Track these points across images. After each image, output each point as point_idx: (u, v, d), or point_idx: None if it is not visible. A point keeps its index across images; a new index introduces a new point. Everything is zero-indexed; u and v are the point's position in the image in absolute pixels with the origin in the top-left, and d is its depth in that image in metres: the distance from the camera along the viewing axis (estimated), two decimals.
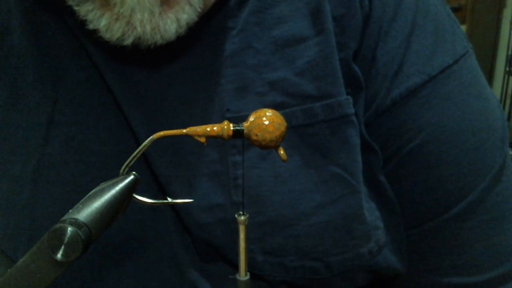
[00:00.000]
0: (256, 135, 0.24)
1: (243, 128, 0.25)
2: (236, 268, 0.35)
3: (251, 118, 0.25)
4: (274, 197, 0.36)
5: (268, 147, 0.25)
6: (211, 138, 0.25)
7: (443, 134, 0.39)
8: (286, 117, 0.33)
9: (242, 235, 0.27)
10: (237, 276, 0.28)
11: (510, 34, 2.29)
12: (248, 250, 0.35)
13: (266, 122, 0.24)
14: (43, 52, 0.38)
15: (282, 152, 0.25)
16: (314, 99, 0.37)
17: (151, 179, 0.38)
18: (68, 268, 0.25)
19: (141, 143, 0.25)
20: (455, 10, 2.06)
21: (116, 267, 0.37)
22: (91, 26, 0.34)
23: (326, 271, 0.37)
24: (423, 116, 0.39)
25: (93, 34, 0.35)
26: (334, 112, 0.37)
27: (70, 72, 0.38)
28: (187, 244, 0.38)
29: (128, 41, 0.34)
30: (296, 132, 0.37)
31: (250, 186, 0.36)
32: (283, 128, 0.25)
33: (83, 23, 0.34)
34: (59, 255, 0.24)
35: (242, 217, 0.27)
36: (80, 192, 0.35)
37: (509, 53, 2.32)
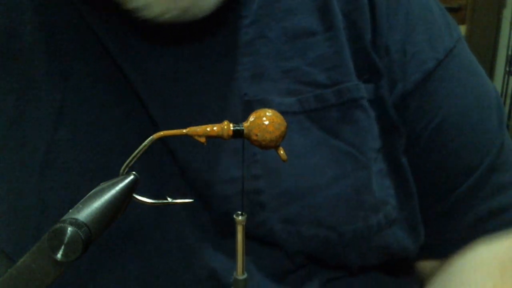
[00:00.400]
0: (256, 135, 0.24)
1: (243, 128, 0.25)
2: (251, 240, 0.38)
3: (251, 118, 0.25)
4: (290, 170, 0.39)
5: (268, 147, 0.25)
6: (211, 138, 0.25)
7: (456, 110, 0.44)
8: (299, 102, 0.40)
9: (239, 236, 0.27)
10: (235, 275, 0.28)
11: (510, 34, 2.29)
12: (267, 219, 0.39)
13: (266, 122, 0.24)
14: (54, 43, 0.39)
15: (282, 152, 0.25)
16: (325, 86, 0.40)
17: (171, 158, 0.39)
18: (68, 268, 0.25)
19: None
20: (455, 10, 2.06)
21: (123, 250, 0.38)
22: (128, 5, 0.35)
23: (339, 240, 0.40)
24: (439, 97, 0.43)
25: (107, 20, 0.36)
26: (343, 97, 0.40)
27: (81, 61, 0.39)
28: (198, 223, 0.40)
29: (168, 16, 0.35)
30: (308, 116, 0.40)
31: (268, 160, 0.39)
32: (283, 128, 0.25)
33: (97, 9, 0.36)
34: (59, 255, 0.24)
35: (240, 217, 0.27)
36: (88, 178, 0.37)
37: (509, 53, 2.32)
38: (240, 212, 0.27)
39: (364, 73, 0.42)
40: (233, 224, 0.38)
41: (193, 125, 0.38)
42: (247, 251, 0.35)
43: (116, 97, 0.39)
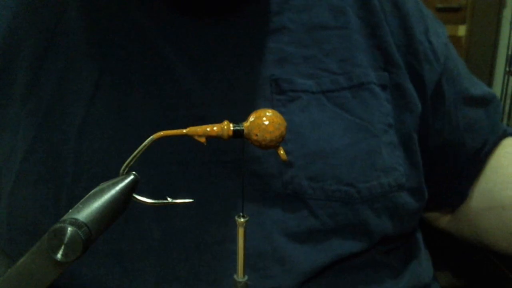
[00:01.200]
0: (256, 135, 0.24)
1: (243, 128, 0.24)
2: (275, 205, 0.44)
3: (251, 118, 0.25)
4: (313, 136, 0.46)
5: (268, 147, 0.25)
6: (211, 138, 0.25)
7: (464, 94, 0.57)
8: (317, 84, 0.47)
9: (241, 239, 0.27)
10: (235, 277, 0.28)
11: (510, 34, 2.29)
12: (295, 176, 0.45)
13: (266, 122, 0.24)
14: (94, 26, 0.45)
15: (282, 152, 0.25)
16: (338, 74, 0.48)
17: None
18: (67, 268, 0.25)
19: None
20: (455, 10, 2.06)
21: (142, 220, 0.42)
22: None
23: (358, 196, 0.46)
24: (454, 70, 0.56)
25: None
26: (353, 81, 0.48)
27: (117, 42, 0.45)
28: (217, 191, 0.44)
29: None
30: (325, 95, 0.47)
31: (294, 127, 0.45)
32: (282, 128, 0.24)
33: None
34: (59, 255, 0.24)
35: (242, 219, 0.27)
36: (119, 147, 0.42)
37: (509, 53, 2.31)
38: (241, 214, 0.27)
39: (380, 63, 0.50)
40: (263, 185, 0.43)
41: (226, 101, 0.44)
42: (272, 218, 0.43)
43: (150, 74, 0.44)
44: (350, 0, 0.50)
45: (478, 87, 0.59)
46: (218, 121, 0.25)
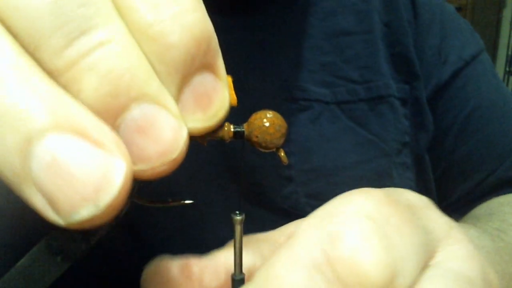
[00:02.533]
0: (257, 136, 0.24)
1: (243, 129, 0.24)
2: (275, 213, 0.42)
3: (252, 120, 0.25)
4: (319, 151, 0.43)
5: (269, 149, 0.24)
6: (211, 138, 0.25)
7: (483, 103, 0.50)
8: (333, 93, 0.45)
9: (238, 236, 0.27)
10: (232, 275, 0.28)
11: (510, 34, 2.29)
12: (294, 192, 0.43)
13: (267, 124, 0.24)
14: None
15: (282, 154, 0.25)
16: (356, 82, 0.45)
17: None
18: (67, 268, 0.25)
19: None
20: (455, 10, 2.06)
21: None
22: None
23: None
24: (466, 90, 0.50)
25: None
26: (372, 93, 0.45)
27: None
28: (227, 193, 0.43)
29: None
30: (339, 106, 0.45)
31: (300, 140, 0.43)
32: (283, 130, 0.24)
33: None
34: (59, 257, 0.24)
35: (239, 217, 0.27)
36: None
37: (509, 53, 2.32)
38: (238, 212, 0.27)
39: (402, 75, 0.47)
40: (263, 194, 0.42)
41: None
42: (271, 224, 0.38)
43: None
44: (377, 5, 0.48)
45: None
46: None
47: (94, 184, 0.15)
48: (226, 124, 0.25)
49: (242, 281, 0.28)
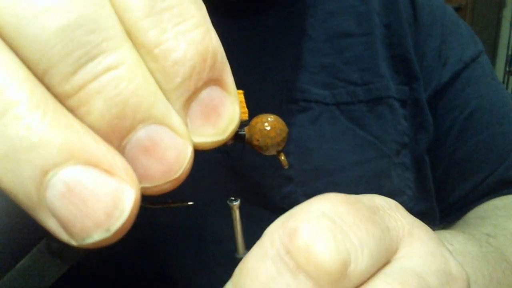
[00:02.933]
0: (258, 140, 0.24)
1: (245, 133, 0.24)
2: (275, 212, 0.39)
3: (253, 123, 0.25)
4: (318, 151, 0.44)
5: (270, 152, 0.24)
6: None
7: (483, 105, 0.51)
8: (332, 95, 0.45)
9: (237, 220, 0.28)
10: (236, 255, 0.29)
11: (510, 34, 2.29)
12: (293, 192, 0.43)
13: (268, 128, 0.24)
14: None
15: (283, 158, 0.25)
16: (356, 84, 0.46)
17: None
18: (67, 269, 0.25)
19: None
20: (455, 10, 2.06)
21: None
22: None
23: None
24: (466, 92, 0.50)
25: None
26: (371, 95, 0.46)
27: None
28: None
29: None
30: (339, 108, 0.45)
31: (300, 140, 0.43)
32: (284, 134, 0.24)
33: None
34: (58, 257, 0.24)
35: (235, 203, 0.27)
36: None
37: (509, 53, 2.32)
38: (233, 198, 0.27)
39: (401, 76, 0.48)
40: (263, 194, 0.42)
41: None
42: (271, 222, 0.38)
43: None
44: (376, 6, 0.48)
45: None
46: None
47: (106, 211, 0.16)
48: None
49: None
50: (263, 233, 0.21)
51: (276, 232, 0.19)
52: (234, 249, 0.30)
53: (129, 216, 0.16)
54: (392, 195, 0.44)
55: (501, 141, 0.51)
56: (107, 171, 0.16)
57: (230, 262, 0.43)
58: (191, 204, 0.29)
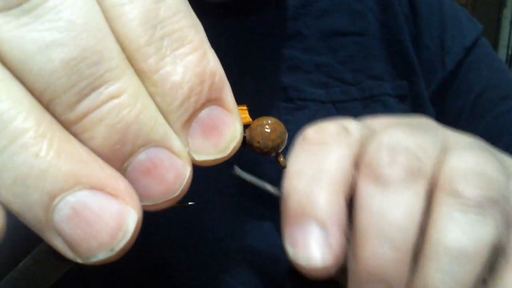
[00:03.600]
0: (258, 142, 0.24)
1: (245, 135, 0.25)
2: (271, 209, 0.41)
3: (253, 125, 0.25)
4: None
5: (269, 155, 0.25)
6: None
7: (488, 85, 0.51)
8: (328, 93, 0.46)
9: (250, 179, 0.28)
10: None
11: (510, 34, 2.29)
12: None
13: (268, 130, 0.24)
14: None
15: (282, 159, 0.25)
16: (350, 84, 0.46)
17: None
18: (69, 270, 0.25)
19: None
20: (463, 8, 2.06)
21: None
22: None
23: None
24: (470, 77, 0.51)
25: None
26: (365, 93, 0.47)
27: None
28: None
29: None
30: (334, 106, 0.46)
31: (296, 138, 0.43)
32: (284, 136, 0.25)
33: None
34: (60, 257, 0.24)
35: (237, 171, 0.28)
36: None
37: (509, 53, 2.32)
38: (233, 167, 0.28)
39: (400, 72, 0.48)
40: (258, 191, 0.42)
41: None
42: (270, 218, 0.43)
43: None
44: (371, 4, 0.49)
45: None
46: None
47: (110, 233, 0.17)
48: None
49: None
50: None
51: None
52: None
53: (132, 237, 0.18)
54: None
55: (510, 118, 0.52)
56: (111, 194, 0.17)
57: (229, 261, 0.43)
58: (192, 205, 0.29)
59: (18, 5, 0.16)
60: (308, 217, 0.22)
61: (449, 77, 0.51)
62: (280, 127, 0.24)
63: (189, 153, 0.19)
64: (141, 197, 0.18)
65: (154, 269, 0.42)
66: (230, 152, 0.20)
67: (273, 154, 0.25)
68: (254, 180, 0.27)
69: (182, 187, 0.18)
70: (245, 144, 0.24)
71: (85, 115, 0.17)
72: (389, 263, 0.21)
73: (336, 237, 0.21)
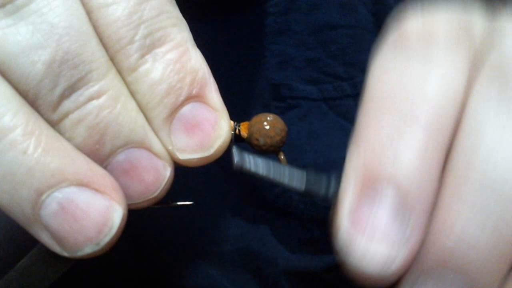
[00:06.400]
0: (257, 139, 0.24)
1: (234, 132, 0.24)
2: (269, 211, 0.43)
3: (252, 122, 0.25)
4: (309, 147, 0.44)
5: (269, 152, 0.25)
6: None
7: None
8: (320, 90, 0.45)
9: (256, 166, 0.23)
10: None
11: None
12: (287, 190, 0.43)
13: (267, 127, 0.24)
14: None
15: (282, 157, 0.25)
16: (342, 79, 0.45)
17: None
18: (68, 269, 0.25)
19: None
20: None
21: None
22: None
23: None
24: None
25: None
26: (357, 89, 0.45)
27: None
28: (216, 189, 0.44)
29: None
30: (327, 103, 0.45)
31: (290, 137, 0.45)
32: (283, 133, 0.24)
33: None
34: (59, 257, 0.24)
35: (236, 164, 0.26)
36: None
37: None
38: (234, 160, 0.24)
39: None
40: (257, 194, 0.43)
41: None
42: (267, 221, 0.43)
43: None
44: None
45: None
46: None
47: (96, 227, 0.17)
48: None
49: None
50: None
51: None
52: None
53: (117, 231, 0.18)
54: None
55: None
56: (97, 190, 0.17)
57: (225, 264, 0.43)
58: (190, 204, 0.29)
59: (2, 6, 0.17)
60: (384, 182, 0.15)
61: None
62: (280, 123, 0.24)
63: (171, 153, 0.19)
64: None
65: (151, 271, 0.42)
66: (216, 151, 0.20)
67: (273, 152, 0.25)
68: (261, 168, 0.22)
69: (161, 187, 0.19)
70: (244, 142, 0.24)
71: (65, 115, 0.17)
72: (488, 240, 0.14)
73: (420, 222, 0.15)
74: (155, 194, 0.19)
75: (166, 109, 0.18)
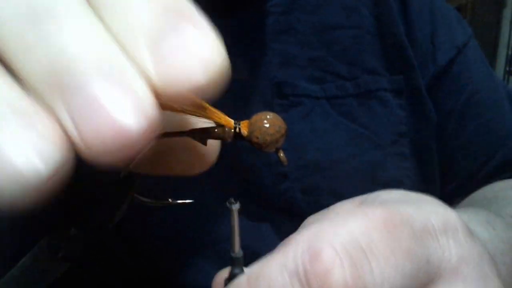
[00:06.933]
0: (257, 137, 0.24)
1: (237, 126, 0.24)
2: (273, 208, 0.43)
3: (252, 121, 0.25)
4: (312, 146, 0.44)
5: (268, 150, 0.25)
6: (212, 139, 0.25)
7: (479, 89, 0.51)
8: (322, 89, 0.45)
9: (235, 220, 0.28)
10: (231, 254, 0.29)
11: (510, 34, 2.29)
12: (289, 189, 0.43)
13: (267, 125, 0.24)
14: None
15: (282, 154, 0.25)
16: (345, 78, 0.46)
17: None
18: (68, 268, 0.25)
19: None
20: (455, 10, 2.06)
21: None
22: None
23: None
24: (462, 77, 0.51)
25: None
26: (360, 88, 0.46)
27: None
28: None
29: None
30: (329, 102, 0.45)
31: (292, 136, 0.41)
32: (283, 131, 0.24)
33: None
34: (58, 257, 0.24)
35: (234, 206, 0.27)
36: None
37: (509, 53, 2.31)
38: (233, 200, 0.28)
39: (396, 66, 0.47)
40: (258, 193, 0.43)
41: (224, 103, 0.42)
42: (268, 219, 0.42)
43: None
44: None
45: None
46: None
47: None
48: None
49: (242, 258, 0.29)
50: (288, 237, 0.21)
51: (301, 246, 0.19)
52: (231, 248, 0.30)
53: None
54: (389, 185, 0.44)
55: (499, 124, 0.52)
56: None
57: (226, 263, 0.43)
58: (190, 203, 0.29)
59: None
60: None
61: (440, 75, 0.50)
62: (279, 121, 0.24)
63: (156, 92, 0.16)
64: (90, 138, 0.14)
65: (151, 271, 0.42)
66: (209, 81, 0.17)
67: (273, 150, 0.25)
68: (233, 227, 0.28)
69: (139, 132, 0.15)
70: (244, 140, 0.24)
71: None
72: None
73: None
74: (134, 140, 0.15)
75: (148, 34, 0.16)
